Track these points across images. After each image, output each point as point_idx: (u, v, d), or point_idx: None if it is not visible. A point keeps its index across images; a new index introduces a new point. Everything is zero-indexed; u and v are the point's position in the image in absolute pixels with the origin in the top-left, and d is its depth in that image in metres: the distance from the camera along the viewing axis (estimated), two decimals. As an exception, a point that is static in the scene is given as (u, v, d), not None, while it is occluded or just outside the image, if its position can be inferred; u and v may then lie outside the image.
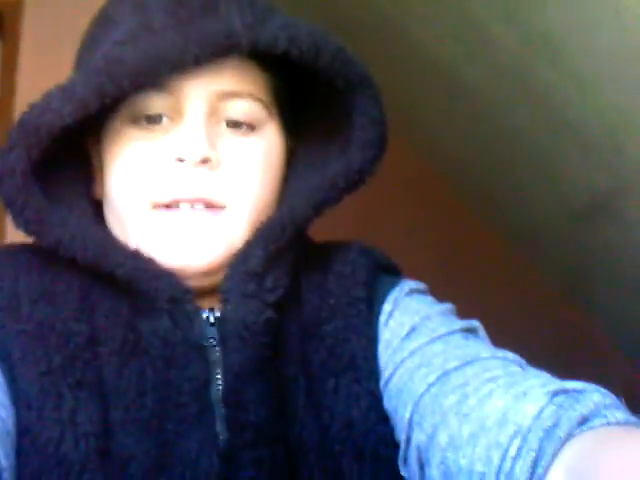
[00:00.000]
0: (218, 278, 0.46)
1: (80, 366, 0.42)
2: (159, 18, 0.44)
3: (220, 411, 0.42)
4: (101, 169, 0.49)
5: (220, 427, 0.42)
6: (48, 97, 0.44)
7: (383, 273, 0.51)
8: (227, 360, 0.43)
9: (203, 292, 0.46)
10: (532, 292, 1.85)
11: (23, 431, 0.40)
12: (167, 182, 0.45)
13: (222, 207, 0.45)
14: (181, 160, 0.44)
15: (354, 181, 0.47)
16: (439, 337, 0.44)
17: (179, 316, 0.43)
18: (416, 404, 0.41)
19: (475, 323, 0.48)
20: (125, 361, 0.43)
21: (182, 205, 0.45)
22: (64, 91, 0.44)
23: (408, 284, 0.50)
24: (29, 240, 0.47)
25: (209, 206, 0.45)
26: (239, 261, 0.45)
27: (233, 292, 0.44)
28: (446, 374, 0.41)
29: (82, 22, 0.52)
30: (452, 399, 0.40)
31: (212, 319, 0.45)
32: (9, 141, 0.44)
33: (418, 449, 0.41)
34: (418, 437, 0.41)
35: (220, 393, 0.43)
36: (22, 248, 0.49)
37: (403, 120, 1.34)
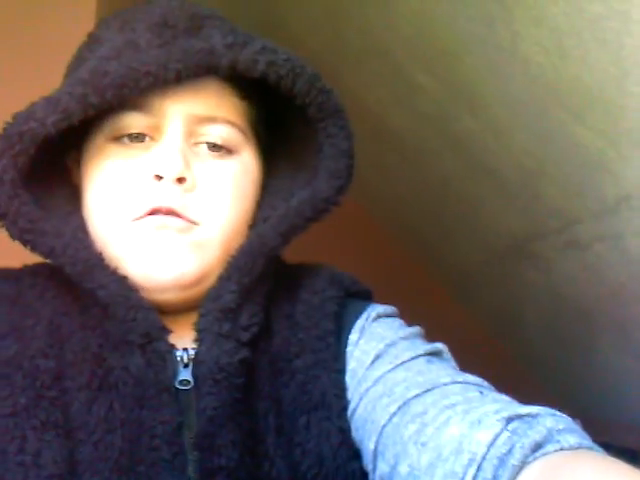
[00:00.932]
0: (193, 307, 0.45)
1: (45, 406, 0.41)
2: (144, 37, 0.46)
3: (192, 454, 0.41)
4: (80, 185, 0.49)
5: (192, 470, 0.41)
6: (33, 107, 0.44)
7: (352, 298, 0.51)
8: (200, 404, 0.42)
9: (178, 331, 0.45)
10: (461, 331, 1.90)
11: None
12: (144, 198, 0.45)
13: (195, 224, 0.46)
14: (159, 177, 0.45)
15: (320, 210, 0.48)
16: (402, 364, 0.44)
17: (152, 355, 0.43)
18: (380, 434, 0.42)
19: (439, 346, 0.48)
20: (93, 396, 0.42)
21: (156, 220, 0.45)
22: (49, 101, 0.44)
23: (375, 309, 0.50)
24: None
25: (183, 223, 0.45)
26: (213, 297, 0.45)
27: (207, 331, 0.44)
28: (407, 403, 0.41)
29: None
30: (412, 428, 0.40)
31: (185, 359, 0.44)
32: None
33: (382, 479, 0.41)
34: (381, 468, 0.41)
35: (192, 436, 0.42)
36: None
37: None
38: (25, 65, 1.06)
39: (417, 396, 0.42)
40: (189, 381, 0.43)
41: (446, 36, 0.96)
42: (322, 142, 0.48)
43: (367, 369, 0.45)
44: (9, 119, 0.45)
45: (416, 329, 0.50)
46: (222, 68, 0.45)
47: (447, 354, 0.48)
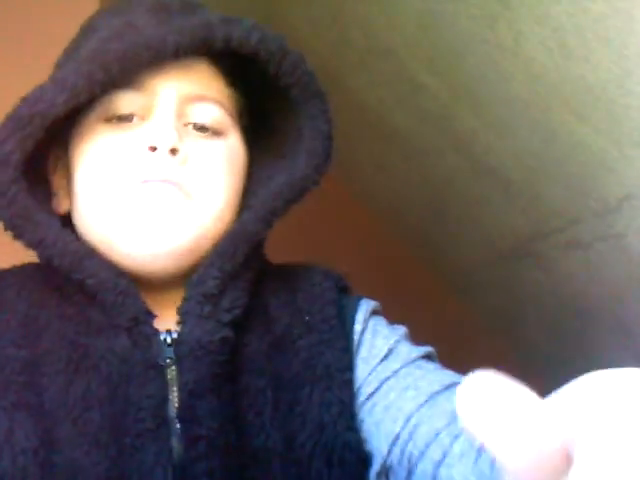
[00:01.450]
0: (178, 285, 0.48)
1: (15, 389, 0.44)
2: (142, 18, 0.47)
3: (175, 427, 0.44)
4: (66, 180, 0.50)
5: (176, 442, 0.44)
6: (40, 89, 0.45)
7: (343, 293, 0.55)
8: (182, 379, 0.45)
9: (162, 314, 0.48)
10: (463, 330, 1.90)
11: None
12: (138, 169, 0.47)
13: (189, 197, 0.47)
14: (152, 148, 0.46)
15: (298, 190, 0.49)
16: (413, 361, 0.49)
17: (138, 336, 0.45)
18: (407, 420, 0.45)
19: (430, 349, 0.52)
20: (70, 379, 0.44)
21: (150, 187, 0.46)
22: (55, 81, 0.45)
23: (369, 304, 0.54)
24: None
25: (177, 192, 0.47)
26: (195, 283, 0.47)
27: (189, 314, 0.46)
28: (433, 397, 0.46)
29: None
30: (443, 420, 0.44)
31: (169, 340, 0.47)
32: (2, 132, 0.45)
33: (409, 461, 0.44)
34: (410, 449, 0.44)
35: (175, 410, 0.45)
36: None
37: (339, 163, 1.39)
38: (28, 64, 1.07)
39: (440, 391, 0.46)
40: (172, 358, 0.46)
41: (449, 35, 0.97)
42: (302, 125, 0.50)
43: (382, 360, 0.49)
44: (17, 103, 0.46)
45: (405, 329, 0.54)
46: (217, 41, 0.46)
47: (435, 357, 0.53)
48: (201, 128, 0.49)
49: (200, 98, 0.49)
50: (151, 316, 0.46)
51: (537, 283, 1.49)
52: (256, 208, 0.49)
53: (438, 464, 0.42)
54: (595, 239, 1.20)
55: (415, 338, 2.03)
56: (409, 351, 0.51)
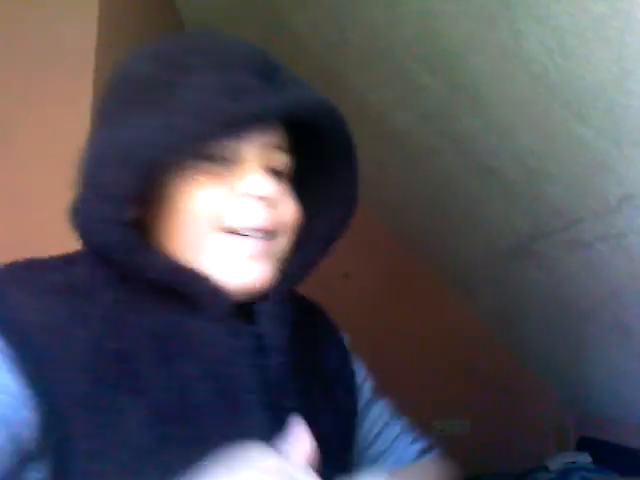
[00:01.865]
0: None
1: (123, 377, 0.49)
2: (245, 81, 0.53)
3: (268, 398, 0.54)
4: (156, 197, 0.56)
5: (269, 412, 0.53)
6: (156, 133, 0.50)
7: None
8: (270, 362, 0.55)
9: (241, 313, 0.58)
10: (464, 329, 1.90)
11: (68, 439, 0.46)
12: (237, 212, 0.54)
13: (274, 237, 0.55)
14: (253, 195, 0.53)
15: (339, 235, 0.60)
16: (375, 390, 0.64)
17: (230, 328, 0.54)
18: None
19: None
20: (160, 370, 0.50)
21: (248, 233, 0.54)
22: (174, 129, 0.50)
23: (345, 334, 0.68)
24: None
25: (267, 235, 0.55)
26: (273, 292, 0.58)
27: (265, 313, 0.57)
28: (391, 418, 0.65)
29: None
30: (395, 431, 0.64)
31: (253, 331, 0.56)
32: (123, 170, 0.50)
33: (364, 442, 0.62)
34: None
35: (268, 386, 0.54)
36: (26, 273, 0.53)
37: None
38: (27, 66, 1.07)
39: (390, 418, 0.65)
40: (258, 347, 0.55)
41: (449, 36, 0.97)
42: (337, 175, 0.58)
43: (364, 381, 0.63)
44: (130, 142, 0.51)
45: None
46: (299, 115, 0.53)
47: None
48: (275, 172, 0.56)
49: (277, 146, 0.56)
50: (238, 312, 0.55)
51: (538, 283, 1.49)
52: (314, 241, 0.60)
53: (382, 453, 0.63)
54: (596, 239, 1.20)
55: (416, 337, 2.00)
56: (371, 378, 0.65)
